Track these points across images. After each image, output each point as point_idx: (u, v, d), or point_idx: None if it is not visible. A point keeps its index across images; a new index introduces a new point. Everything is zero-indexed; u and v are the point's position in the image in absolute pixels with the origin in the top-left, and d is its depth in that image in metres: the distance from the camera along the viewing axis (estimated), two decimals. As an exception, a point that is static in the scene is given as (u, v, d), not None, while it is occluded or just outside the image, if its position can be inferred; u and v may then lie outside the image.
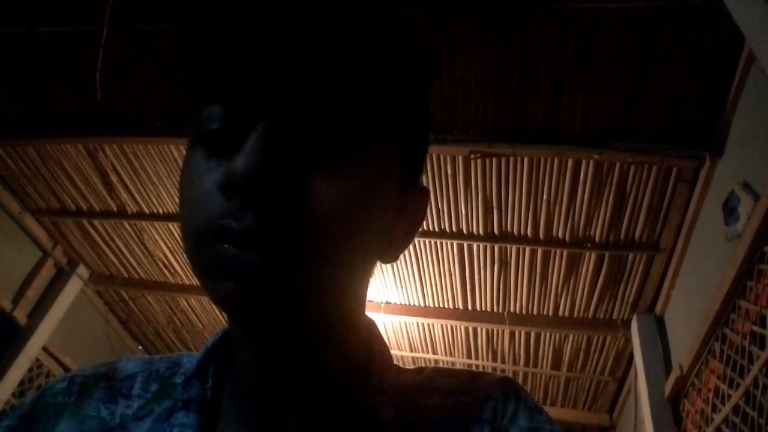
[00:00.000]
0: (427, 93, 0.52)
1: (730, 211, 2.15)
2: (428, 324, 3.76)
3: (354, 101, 0.41)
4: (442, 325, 3.74)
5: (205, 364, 0.52)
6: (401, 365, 0.56)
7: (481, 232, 3.06)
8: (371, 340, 0.54)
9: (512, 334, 3.67)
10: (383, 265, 0.51)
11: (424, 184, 0.55)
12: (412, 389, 0.52)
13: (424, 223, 3.07)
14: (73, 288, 3.99)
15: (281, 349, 0.47)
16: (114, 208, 3.56)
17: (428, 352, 3.99)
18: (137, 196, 3.44)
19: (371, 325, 0.55)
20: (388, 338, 3.86)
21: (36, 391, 0.56)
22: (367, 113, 0.42)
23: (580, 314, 3.39)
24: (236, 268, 0.38)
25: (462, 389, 0.52)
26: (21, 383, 3.69)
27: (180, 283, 4.03)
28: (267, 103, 0.39)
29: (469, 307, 3.56)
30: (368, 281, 0.50)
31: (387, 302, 3.65)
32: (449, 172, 2.79)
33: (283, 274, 0.38)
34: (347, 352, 0.50)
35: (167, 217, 3.52)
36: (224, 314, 0.48)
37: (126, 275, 4.11)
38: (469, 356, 3.93)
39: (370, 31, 0.44)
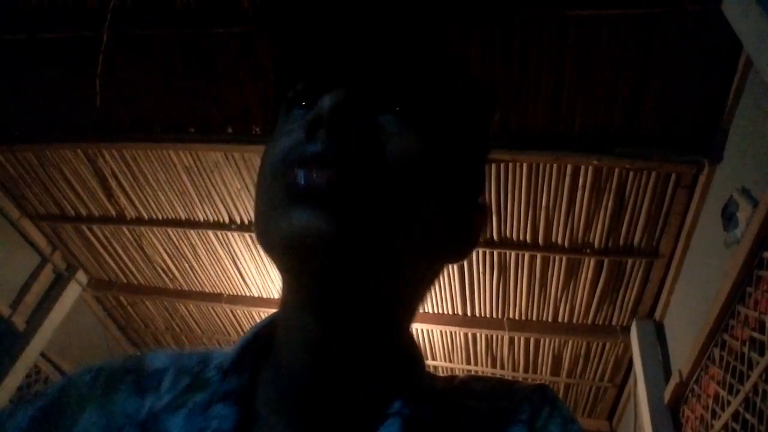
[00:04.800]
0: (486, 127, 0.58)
1: (728, 216, 2.16)
2: (427, 330, 3.75)
3: (426, 94, 0.47)
4: (441, 331, 3.74)
5: (242, 359, 0.52)
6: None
7: (480, 237, 3.06)
8: (412, 345, 0.54)
9: (511, 340, 3.66)
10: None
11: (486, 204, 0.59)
12: (448, 393, 0.53)
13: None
14: (71, 293, 3.98)
15: (333, 327, 0.47)
16: (113, 213, 3.56)
17: (427, 358, 3.98)
18: (136, 202, 3.43)
19: (412, 334, 0.56)
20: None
21: (60, 380, 0.55)
22: (434, 107, 0.47)
23: (580, 320, 3.38)
24: (313, 189, 0.40)
25: (497, 394, 0.53)
26: (19, 389, 3.68)
27: (179, 288, 4.02)
28: (349, 78, 0.45)
29: (468, 313, 3.55)
30: (428, 279, 0.53)
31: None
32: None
33: (356, 200, 0.41)
34: (392, 348, 0.51)
35: (166, 223, 3.51)
36: (287, 276, 0.48)
37: (125, 281, 4.10)
38: (468, 362, 3.92)
39: (439, 45, 0.50)
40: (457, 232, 0.52)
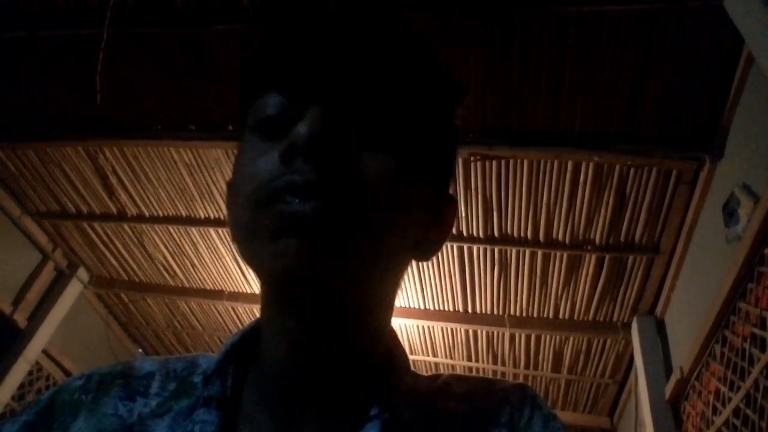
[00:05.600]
0: (458, 105, 0.57)
1: (730, 213, 2.16)
2: (428, 327, 3.75)
3: (395, 96, 0.46)
4: (442, 328, 3.74)
5: (226, 363, 0.52)
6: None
7: (481, 234, 3.06)
8: (393, 344, 0.55)
9: (512, 337, 3.67)
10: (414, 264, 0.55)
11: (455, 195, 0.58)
12: (429, 393, 0.53)
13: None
14: (73, 291, 3.98)
15: (316, 330, 0.48)
16: (114, 210, 3.56)
17: (428, 355, 3.99)
18: (137, 199, 3.44)
19: (393, 330, 0.57)
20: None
21: (52, 388, 0.56)
22: (407, 113, 0.47)
23: (581, 317, 3.39)
24: (298, 219, 0.41)
25: (478, 395, 0.53)
26: (21, 386, 3.68)
27: (180, 285, 4.03)
28: (320, 93, 0.44)
29: (469, 310, 3.55)
30: (401, 277, 0.53)
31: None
32: (449, 174, 2.78)
33: (340, 226, 0.42)
34: (372, 350, 0.52)
35: (167, 220, 3.52)
36: (271, 290, 0.49)
37: (126, 278, 4.11)
38: (469, 359, 3.92)
39: (411, 43, 0.50)
40: (430, 231, 0.53)
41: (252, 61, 0.51)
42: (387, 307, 0.53)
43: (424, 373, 0.58)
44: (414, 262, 0.57)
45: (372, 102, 0.45)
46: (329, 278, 0.43)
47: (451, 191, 0.57)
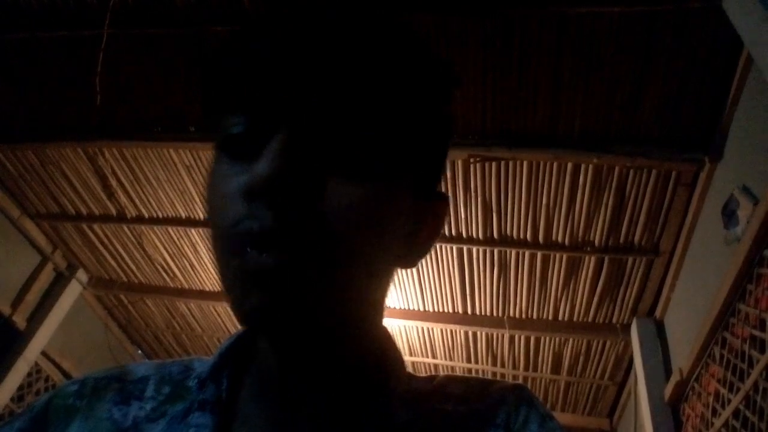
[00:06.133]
0: (446, 105, 0.52)
1: (729, 214, 2.16)
2: (428, 328, 3.75)
3: (370, 113, 0.43)
4: (441, 330, 3.74)
5: (220, 367, 0.52)
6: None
7: (480, 236, 3.06)
8: (387, 346, 0.55)
9: (512, 339, 3.66)
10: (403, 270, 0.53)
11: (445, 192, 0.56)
12: (425, 395, 0.53)
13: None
14: (72, 292, 3.98)
15: (301, 353, 0.48)
16: (113, 212, 3.56)
17: (428, 357, 3.99)
18: (137, 200, 3.43)
19: (387, 332, 0.56)
20: (388, 342, 3.85)
21: (47, 393, 0.56)
22: (384, 124, 0.43)
23: (580, 318, 3.39)
24: (260, 275, 0.39)
25: (474, 396, 0.53)
26: (20, 388, 3.68)
27: (179, 287, 4.02)
28: (286, 113, 0.41)
29: (469, 312, 3.55)
30: (386, 287, 0.52)
31: (386, 306, 3.64)
32: (448, 176, 2.78)
33: (304, 275, 0.40)
34: (364, 355, 0.51)
35: (167, 221, 3.51)
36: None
37: (125, 279, 4.10)
38: (468, 361, 3.92)
39: (386, 46, 0.45)
40: (417, 236, 0.50)
41: (215, 73, 0.47)
42: (375, 314, 0.53)
43: (421, 375, 0.58)
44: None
45: (344, 116, 0.42)
46: (303, 323, 0.42)
47: (447, 190, 0.55)
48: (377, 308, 0.52)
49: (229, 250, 0.41)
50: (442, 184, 2.78)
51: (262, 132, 0.41)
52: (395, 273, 0.52)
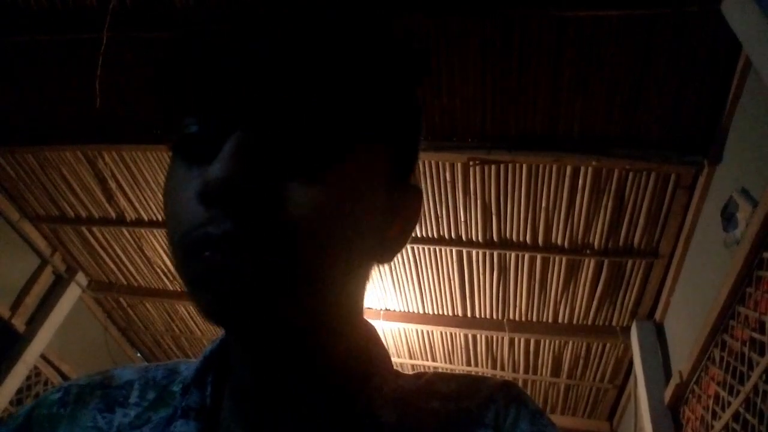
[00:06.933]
0: (416, 91, 0.51)
1: (728, 217, 2.16)
2: (427, 331, 3.75)
3: (332, 106, 0.41)
4: (441, 332, 3.74)
5: (204, 372, 0.51)
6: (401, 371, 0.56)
7: (480, 238, 3.06)
8: (370, 344, 0.53)
9: (512, 341, 3.66)
10: (382, 271, 0.51)
11: (419, 184, 0.54)
12: (413, 393, 0.51)
13: (423, 229, 3.08)
14: (71, 295, 3.97)
15: (274, 354, 0.46)
16: (113, 215, 3.56)
17: (427, 360, 3.98)
18: (136, 204, 3.43)
19: (370, 329, 0.54)
20: (387, 345, 3.85)
21: (30, 402, 0.55)
22: (347, 117, 0.41)
23: (580, 321, 3.38)
24: (220, 277, 0.38)
25: (463, 394, 0.51)
26: (19, 391, 3.67)
27: (179, 290, 4.02)
28: (241, 111, 0.39)
29: (469, 314, 3.55)
30: (363, 283, 0.50)
31: (386, 309, 3.65)
32: (448, 178, 2.79)
33: (266, 279, 0.38)
34: (344, 355, 0.49)
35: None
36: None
37: (125, 282, 4.10)
38: (468, 363, 3.92)
39: (348, 34, 0.44)
40: (390, 230, 0.48)
41: (169, 70, 0.46)
42: (352, 313, 0.50)
43: (408, 372, 0.56)
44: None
45: (301, 111, 0.40)
46: (267, 316, 0.40)
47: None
48: (353, 306, 0.50)
49: (187, 254, 0.39)
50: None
51: (218, 132, 0.39)
52: (371, 269, 0.50)
